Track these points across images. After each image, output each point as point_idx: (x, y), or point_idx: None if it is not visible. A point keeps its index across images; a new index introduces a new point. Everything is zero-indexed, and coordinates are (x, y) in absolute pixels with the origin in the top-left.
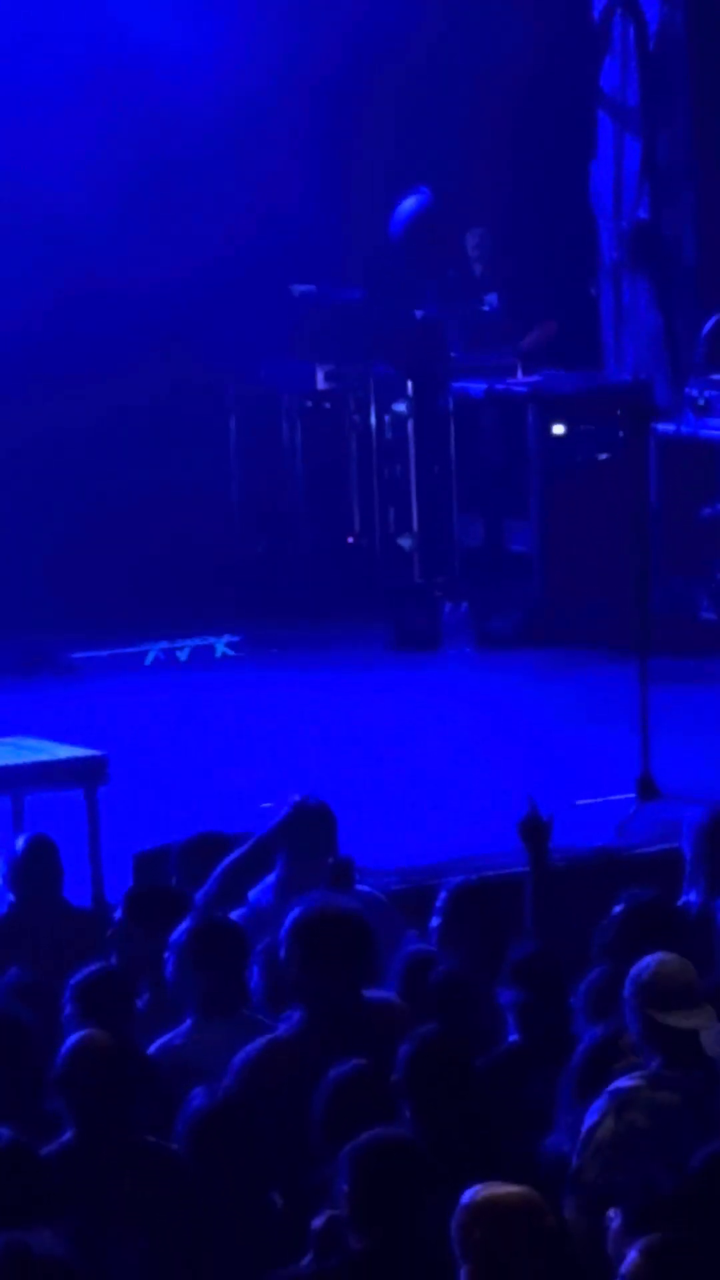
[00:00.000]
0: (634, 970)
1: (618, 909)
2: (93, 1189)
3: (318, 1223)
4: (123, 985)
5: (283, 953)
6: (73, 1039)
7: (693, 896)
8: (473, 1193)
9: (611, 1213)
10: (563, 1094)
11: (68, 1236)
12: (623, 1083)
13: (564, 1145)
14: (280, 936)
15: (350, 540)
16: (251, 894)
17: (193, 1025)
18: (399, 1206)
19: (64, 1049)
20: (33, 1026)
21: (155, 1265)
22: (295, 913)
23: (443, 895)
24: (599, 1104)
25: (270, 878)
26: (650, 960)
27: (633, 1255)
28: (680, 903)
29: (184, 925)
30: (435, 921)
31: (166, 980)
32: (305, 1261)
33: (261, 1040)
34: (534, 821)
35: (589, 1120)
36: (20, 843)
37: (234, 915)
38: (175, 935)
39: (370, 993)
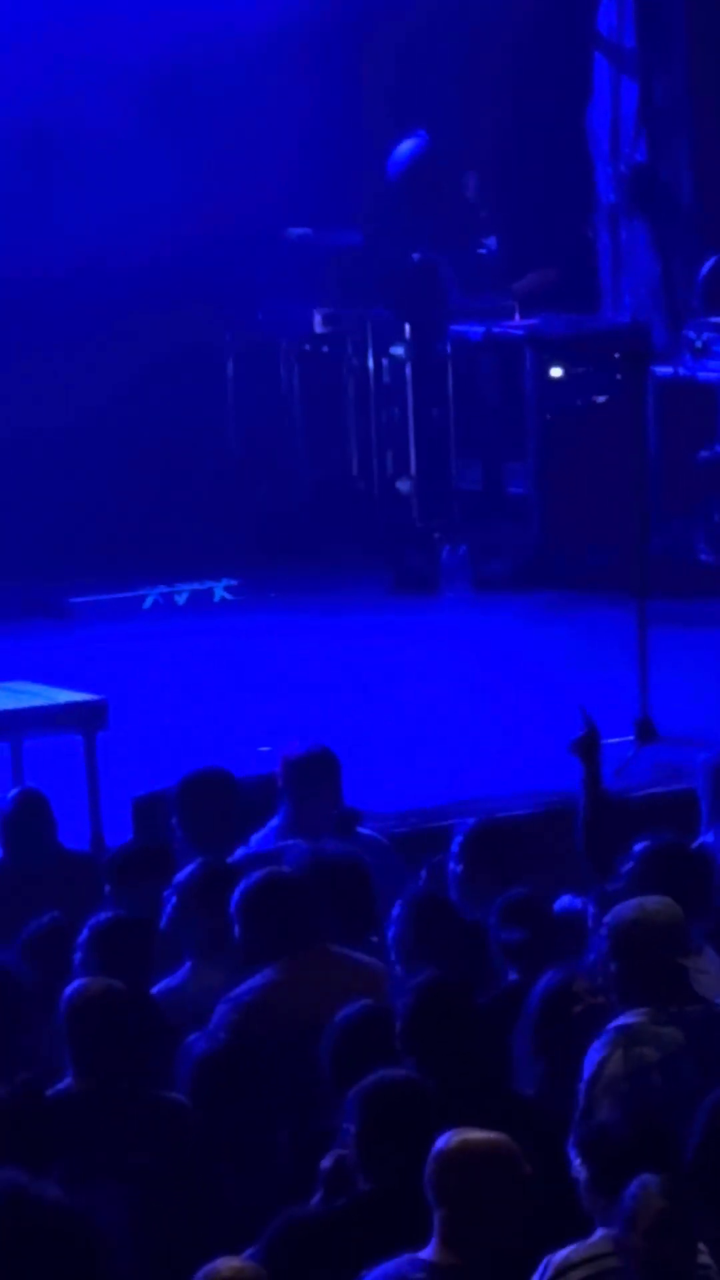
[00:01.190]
0: (617, 913)
1: (638, 848)
2: (87, 1137)
3: (326, 1163)
4: (139, 933)
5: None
6: (76, 985)
7: (709, 837)
8: (446, 1139)
9: (578, 1164)
10: (519, 1045)
11: (60, 1181)
12: (625, 1019)
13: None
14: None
15: (349, 483)
16: (254, 838)
17: (192, 967)
18: (407, 1147)
19: (67, 995)
20: (26, 980)
21: (146, 1213)
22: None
23: (458, 839)
24: (601, 1042)
25: (274, 821)
26: (636, 902)
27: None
28: (697, 844)
29: (188, 869)
30: (455, 868)
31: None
32: (314, 1201)
33: (258, 980)
34: (589, 738)
35: (593, 1058)
36: (9, 796)
37: (234, 858)
38: (179, 878)
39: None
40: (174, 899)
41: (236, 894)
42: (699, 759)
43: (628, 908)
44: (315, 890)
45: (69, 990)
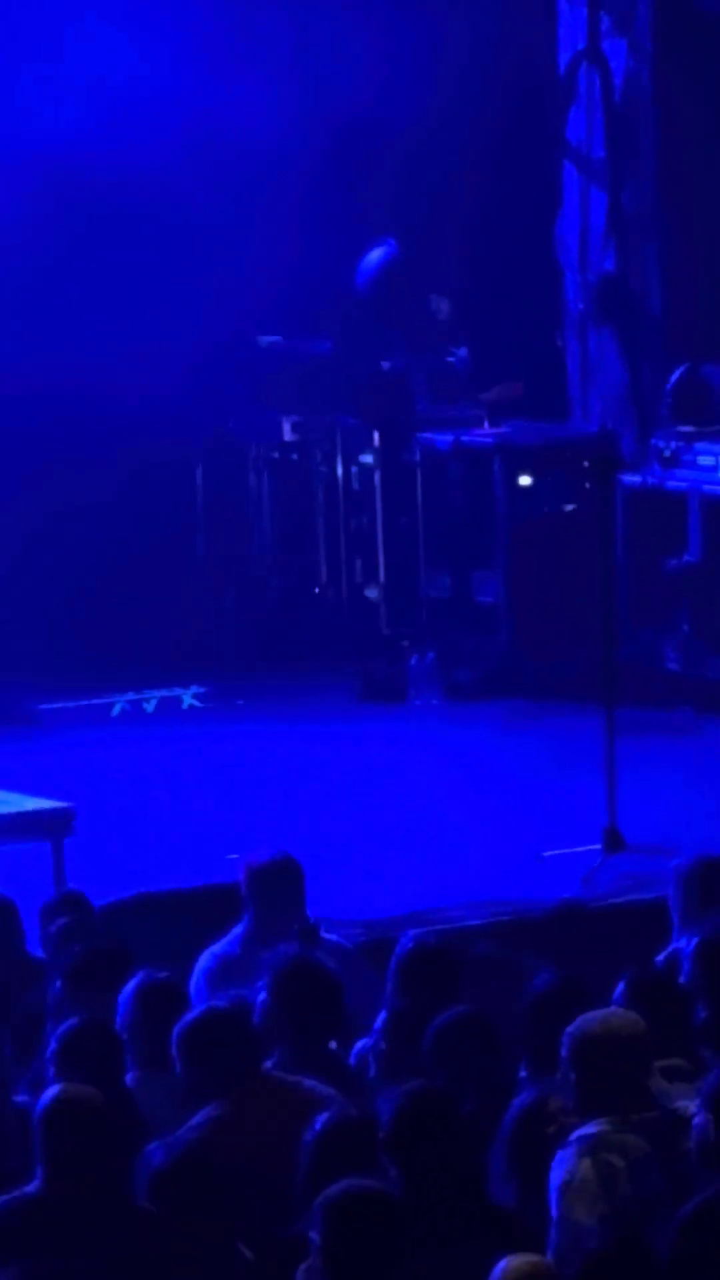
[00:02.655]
0: (580, 1024)
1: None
2: (51, 1242)
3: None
4: (113, 1039)
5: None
6: (52, 1092)
7: (682, 943)
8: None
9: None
10: (495, 1165)
11: None
12: (586, 1130)
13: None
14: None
15: (317, 591)
16: (217, 946)
17: (137, 1078)
18: (370, 1260)
19: (42, 1102)
20: None
21: None
22: (276, 961)
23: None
24: (566, 1153)
25: (237, 929)
26: (598, 1015)
27: None
28: (669, 950)
29: (132, 981)
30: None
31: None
32: None
33: (199, 1118)
34: None
35: (559, 1171)
36: None
37: (201, 965)
38: (124, 991)
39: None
40: (121, 1010)
41: (175, 1032)
42: (669, 865)
43: (591, 1020)
44: (274, 1000)
45: (45, 1097)
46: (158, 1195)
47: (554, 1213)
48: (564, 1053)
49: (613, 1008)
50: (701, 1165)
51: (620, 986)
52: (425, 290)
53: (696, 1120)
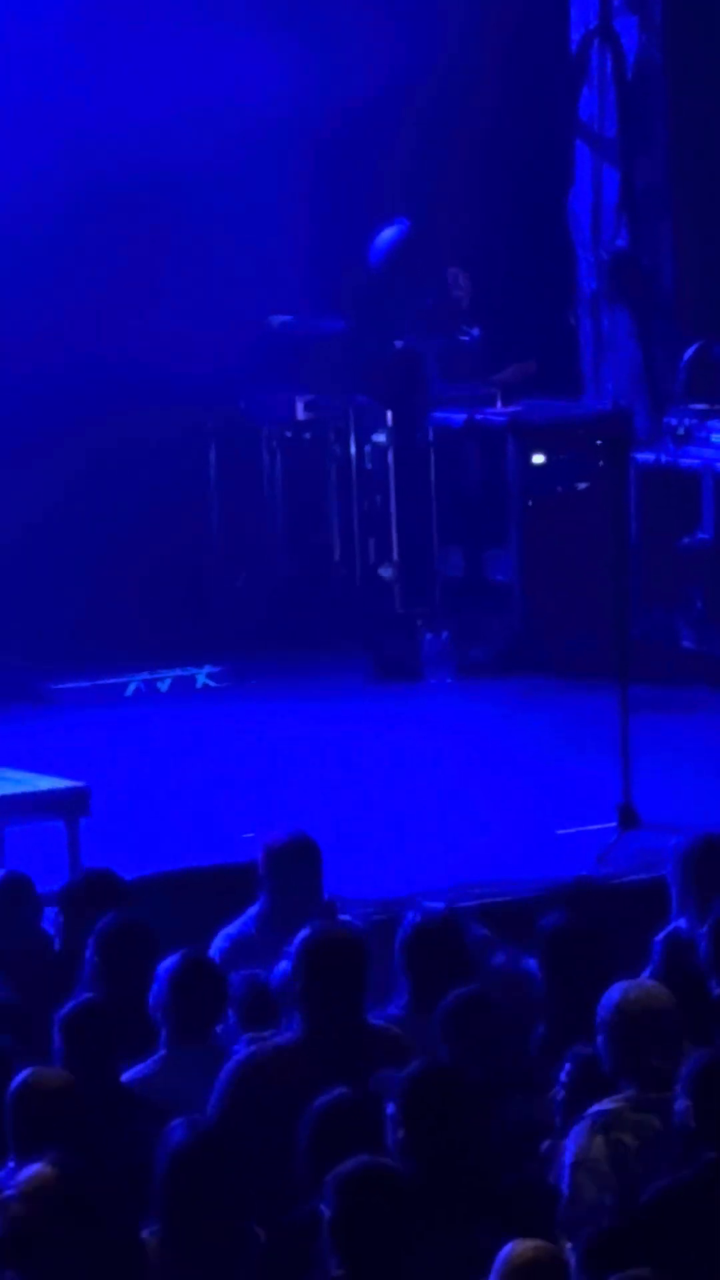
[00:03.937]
0: (611, 998)
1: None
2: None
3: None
4: (106, 1017)
5: (289, 967)
6: (21, 1076)
7: (681, 923)
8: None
9: (570, 1247)
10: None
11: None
12: (602, 1106)
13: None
14: (290, 952)
15: (331, 570)
16: (231, 927)
17: (165, 1055)
18: (380, 1236)
19: (13, 1085)
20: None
21: None
22: (304, 933)
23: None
24: (579, 1129)
25: (252, 909)
26: (629, 987)
27: None
28: (668, 930)
29: (172, 958)
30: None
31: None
32: None
33: (247, 1052)
34: None
35: (572, 1146)
36: None
37: (217, 945)
38: (163, 967)
39: (374, 1018)
40: (157, 985)
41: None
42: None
43: (630, 988)
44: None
45: (16, 1081)
46: (173, 1174)
47: (564, 1189)
48: (600, 1018)
49: (639, 980)
50: (681, 1150)
51: (654, 962)
52: (438, 268)
53: (677, 1105)
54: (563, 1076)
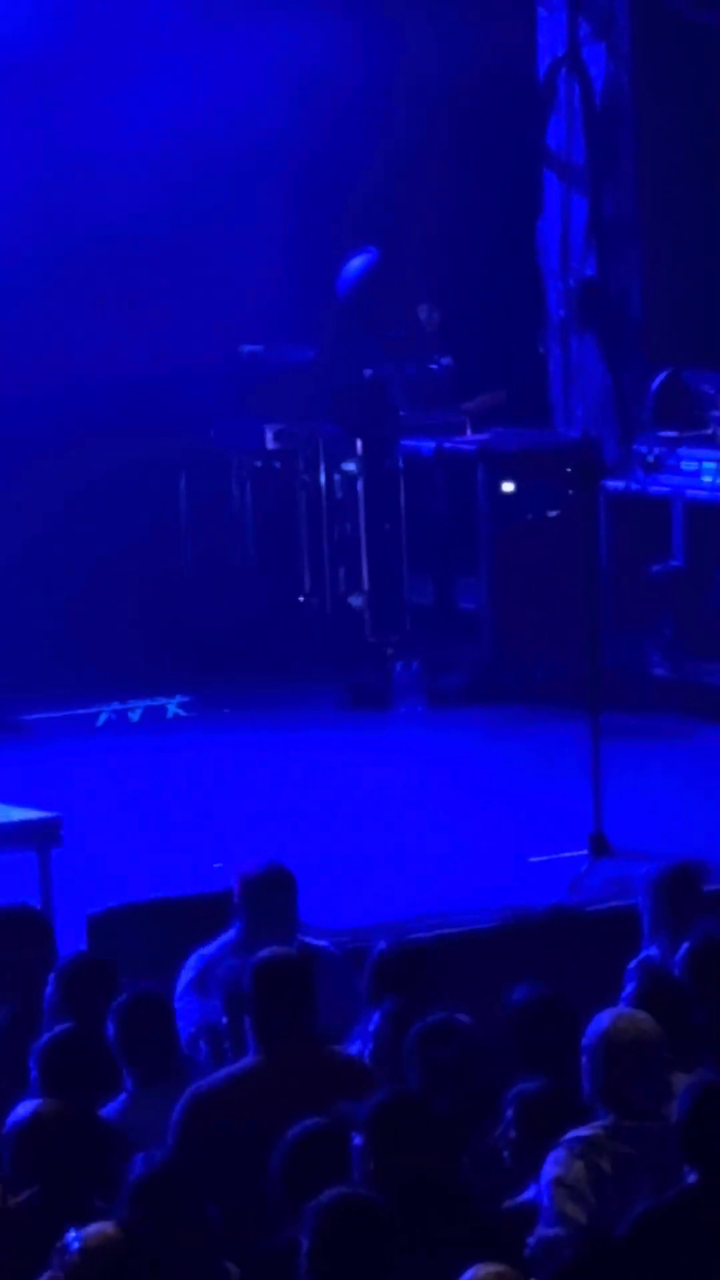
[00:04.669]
0: (599, 1025)
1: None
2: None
3: None
4: (86, 1047)
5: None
6: (24, 1109)
7: (653, 951)
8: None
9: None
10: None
11: None
12: (580, 1132)
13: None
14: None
15: (301, 599)
16: (206, 949)
17: (130, 1096)
18: (359, 1267)
19: (14, 1119)
20: None
21: None
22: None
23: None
24: (557, 1154)
25: (226, 935)
26: (618, 1016)
27: None
28: (640, 957)
29: (125, 993)
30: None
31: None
32: None
33: (204, 1083)
34: None
35: (550, 1170)
36: None
37: (186, 973)
38: (116, 1002)
39: (337, 1049)
40: (112, 1024)
41: (248, 975)
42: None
43: (619, 1017)
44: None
45: (17, 1114)
46: (136, 1207)
47: (545, 1202)
48: (585, 1043)
49: (626, 1009)
50: (660, 1176)
51: (629, 988)
52: (407, 297)
53: (660, 1130)
54: (509, 1115)
